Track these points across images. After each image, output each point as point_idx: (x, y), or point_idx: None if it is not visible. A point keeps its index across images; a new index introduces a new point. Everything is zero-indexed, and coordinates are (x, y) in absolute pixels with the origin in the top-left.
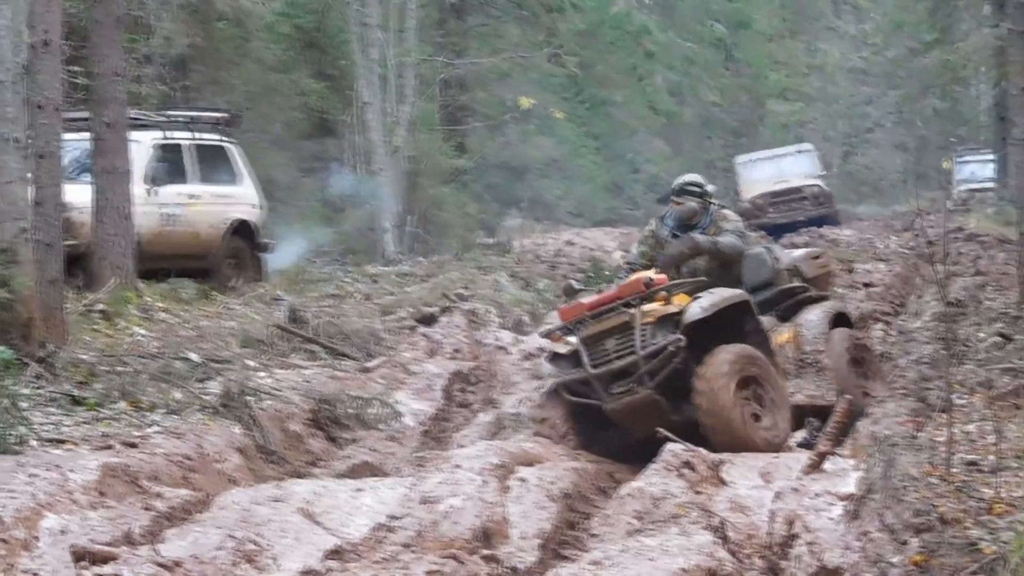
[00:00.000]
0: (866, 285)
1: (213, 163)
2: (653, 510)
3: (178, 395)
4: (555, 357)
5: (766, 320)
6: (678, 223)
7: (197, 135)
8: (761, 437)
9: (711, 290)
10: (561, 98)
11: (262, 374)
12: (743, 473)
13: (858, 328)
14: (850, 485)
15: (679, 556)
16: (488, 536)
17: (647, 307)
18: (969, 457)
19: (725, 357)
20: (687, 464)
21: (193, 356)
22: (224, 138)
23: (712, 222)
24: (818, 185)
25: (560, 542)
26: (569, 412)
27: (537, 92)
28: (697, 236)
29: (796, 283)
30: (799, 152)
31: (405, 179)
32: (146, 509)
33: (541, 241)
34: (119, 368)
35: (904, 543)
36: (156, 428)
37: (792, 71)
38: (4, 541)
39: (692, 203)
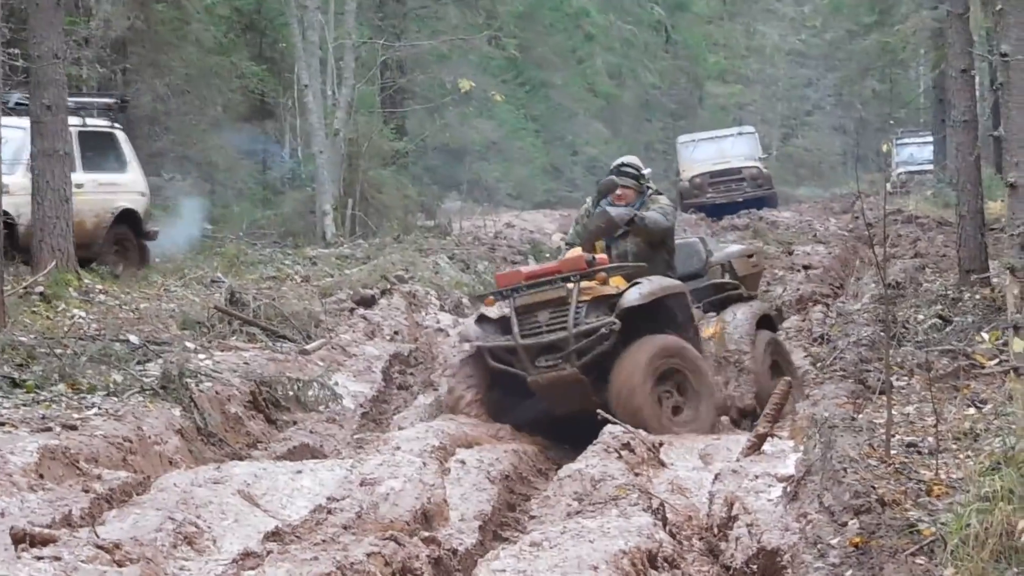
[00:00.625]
0: (805, 267)
1: (100, 150)
2: (592, 492)
3: (118, 377)
4: (483, 320)
5: (694, 312)
6: (598, 199)
7: (86, 121)
8: (679, 431)
9: (650, 277)
10: (500, 80)
11: (201, 356)
12: (682, 455)
13: (798, 314)
14: (789, 467)
15: (618, 538)
16: (428, 518)
17: (585, 285)
18: (908, 439)
19: (646, 349)
20: (626, 446)
21: (133, 338)
22: (113, 124)
23: (643, 204)
24: (757, 167)
25: (500, 524)
26: (485, 379)
27: (477, 74)
28: (611, 210)
29: (727, 279)
30: (740, 134)
31: (344, 162)
32: (85, 491)
33: (481, 223)
34: (58, 350)
35: (843, 525)
36: (95, 410)
37: (731, 53)
38: None
39: (612, 177)
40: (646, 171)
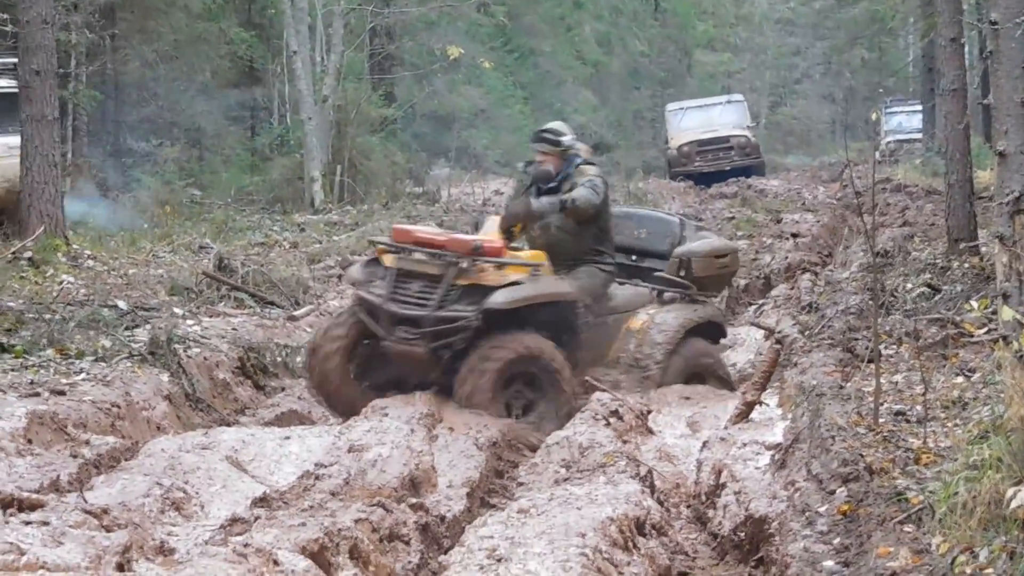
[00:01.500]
0: (794, 235)
1: (8, 112)
2: (580, 459)
3: (106, 343)
4: (373, 264)
5: (631, 291)
6: (530, 184)
7: None
8: (524, 433)
9: (538, 279)
10: (489, 48)
11: (190, 322)
12: (670, 423)
13: (786, 282)
14: (777, 435)
15: (606, 505)
16: (415, 484)
17: (474, 267)
18: (896, 407)
19: (502, 350)
20: (614, 413)
21: (121, 304)
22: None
23: (568, 178)
24: (745, 136)
25: (487, 490)
26: (356, 329)
27: (465, 41)
28: (533, 202)
29: (681, 276)
30: (729, 102)
31: (333, 128)
32: (74, 456)
33: (469, 190)
34: (47, 315)
35: (831, 493)
36: (84, 376)
37: (719, 21)
38: None
39: (547, 166)
40: (567, 137)
